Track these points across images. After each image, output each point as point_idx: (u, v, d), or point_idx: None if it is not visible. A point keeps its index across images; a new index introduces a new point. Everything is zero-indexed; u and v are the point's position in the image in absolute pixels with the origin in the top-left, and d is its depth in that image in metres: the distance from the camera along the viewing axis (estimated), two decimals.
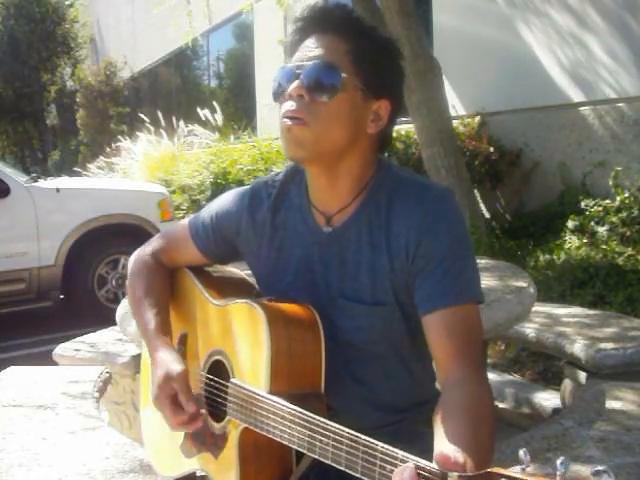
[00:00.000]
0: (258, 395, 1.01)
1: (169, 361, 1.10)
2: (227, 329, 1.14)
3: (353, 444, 0.84)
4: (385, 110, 1.10)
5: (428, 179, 1.17)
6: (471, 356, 1.00)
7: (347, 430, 0.86)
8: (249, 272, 1.32)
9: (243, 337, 1.09)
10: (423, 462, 0.77)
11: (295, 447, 0.94)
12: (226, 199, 1.27)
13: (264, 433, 1.00)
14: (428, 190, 1.09)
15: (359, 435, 0.84)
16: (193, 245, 1.28)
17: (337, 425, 0.88)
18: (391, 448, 0.80)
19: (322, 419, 0.90)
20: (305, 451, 0.92)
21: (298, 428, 0.93)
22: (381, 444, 0.81)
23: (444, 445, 0.82)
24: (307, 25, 1.09)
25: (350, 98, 1.05)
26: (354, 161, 1.10)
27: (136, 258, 1.34)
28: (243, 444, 1.06)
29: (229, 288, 1.28)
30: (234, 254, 1.29)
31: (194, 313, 1.25)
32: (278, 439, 0.97)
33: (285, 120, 1.05)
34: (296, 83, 1.04)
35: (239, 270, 1.40)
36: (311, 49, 1.06)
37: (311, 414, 0.92)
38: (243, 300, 1.11)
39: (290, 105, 1.04)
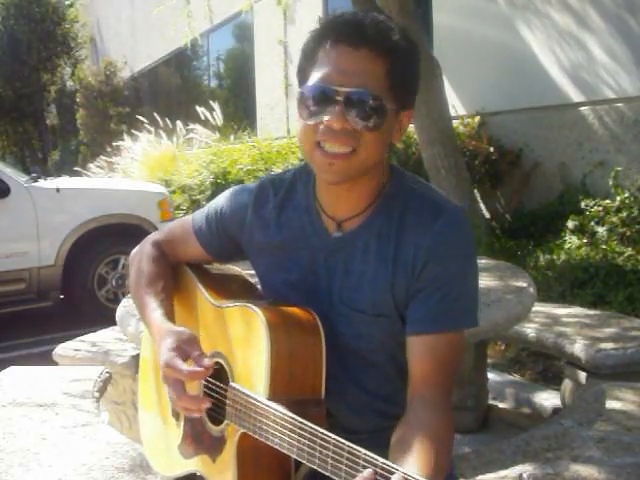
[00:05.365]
0: (257, 401, 0.99)
1: (180, 330, 1.08)
2: (226, 332, 1.12)
3: (352, 457, 0.83)
4: (408, 119, 1.09)
5: (442, 196, 1.13)
6: (446, 382, 1.03)
7: (347, 443, 0.84)
8: (251, 272, 1.31)
9: (242, 341, 1.07)
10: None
11: (294, 456, 0.93)
12: (231, 195, 1.25)
13: (262, 440, 0.98)
14: (443, 211, 1.07)
15: (359, 448, 0.83)
16: (195, 240, 1.27)
17: (337, 437, 0.86)
18: (390, 463, 0.80)
19: (322, 430, 0.88)
20: (304, 461, 0.90)
21: (297, 437, 0.91)
22: (382, 459, 0.80)
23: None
24: (333, 33, 1.02)
25: (389, 121, 1.04)
26: (376, 171, 1.10)
27: (139, 249, 1.32)
28: (241, 449, 1.04)
29: (229, 288, 1.27)
30: (236, 252, 1.27)
31: (195, 313, 1.24)
32: (277, 447, 0.95)
33: (330, 150, 1.01)
34: (339, 114, 0.99)
35: (239, 269, 1.38)
36: (348, 71, 1.00)
37: (311, 424, 0.90)
38: (242, 303, 1.09)
39: (334, 135, 1.00)
